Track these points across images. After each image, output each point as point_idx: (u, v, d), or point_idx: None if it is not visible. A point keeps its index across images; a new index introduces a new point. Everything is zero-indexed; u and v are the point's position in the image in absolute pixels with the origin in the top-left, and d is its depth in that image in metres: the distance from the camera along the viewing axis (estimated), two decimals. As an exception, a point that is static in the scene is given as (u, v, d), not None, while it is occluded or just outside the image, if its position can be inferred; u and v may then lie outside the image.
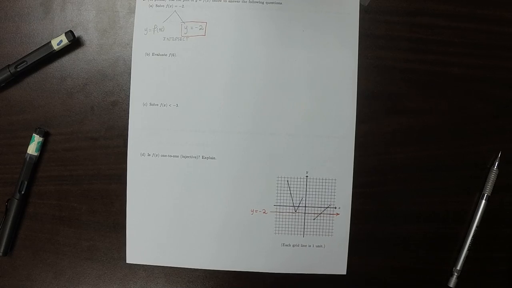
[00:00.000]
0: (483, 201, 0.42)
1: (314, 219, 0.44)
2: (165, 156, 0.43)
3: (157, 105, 0.43)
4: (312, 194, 0.43)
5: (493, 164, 0.42)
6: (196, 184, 0.43)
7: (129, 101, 0.43)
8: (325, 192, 0.43)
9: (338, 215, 0.43)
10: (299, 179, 0.43)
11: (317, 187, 0.43)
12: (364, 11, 0.43)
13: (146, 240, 0.44)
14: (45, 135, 0.44)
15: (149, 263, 0.44)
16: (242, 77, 0.43)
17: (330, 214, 0.43)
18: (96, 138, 0.44)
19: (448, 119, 0.43)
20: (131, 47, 0.43)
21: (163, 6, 0.43)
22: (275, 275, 0.44)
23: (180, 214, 0.44)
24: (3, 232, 0.43)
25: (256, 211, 0.43)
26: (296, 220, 0.44)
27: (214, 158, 0.43)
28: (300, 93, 0.43)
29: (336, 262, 0.43)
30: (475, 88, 0.43)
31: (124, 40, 0.43)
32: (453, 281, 0.43)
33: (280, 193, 0.43)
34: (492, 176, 0.42)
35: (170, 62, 0.43)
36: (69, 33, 0.42)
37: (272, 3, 0.43)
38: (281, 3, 0.43)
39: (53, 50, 0.42)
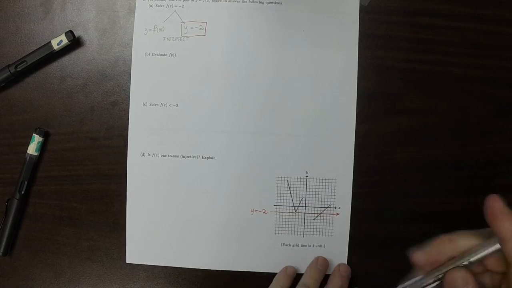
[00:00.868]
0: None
1: (314, 219, 0.44)
2: (165, 156, 0.43)
3: (157, 105, 0.43)
4: (312, 194, 0.43)
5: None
6: (196, 184, 0.43)
7: (129, 101, 0.43)
8: (325, 192, 0.43)
9: (338, 215, 0.43)
10: (299, 179, 0.43)
11: (317, 187, 0.43)
12: (364, 11, 0.43)
13: (146, 240, 0.44)
14: (45, 135, 0.44)
15: (149, 263, 0.44)
16: (242, 77, 0.43)
17: (330, 214, 0.43)
18: (96, 138, 0.44)
19: (448, 119, 0.43)
20: (131, 47, 0.43)
21: (163, 6, 0.43)
22: (275, 275, 0.44)
23: (180, 214, 0.44)
24: (3, 232, 0.43)
25: (256, 211, 0.43)
26: (296, 220, 0.44)
27: (214, 158, 0.43)
28: (300, 93, 0.43)
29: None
30: (475, 88, 0.43)
31: (124, 40, 0.43)
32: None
33: (280, 193, 0.43)
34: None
35: (170, 62, 0.43)
36: (69, 33, 0.42)
37: (272, 3, 0.43)
38: (281, 3, 0.43)
39: (53, 50, 0.42)
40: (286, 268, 0.43)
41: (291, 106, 0.43)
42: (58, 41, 0.42)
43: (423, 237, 0.44)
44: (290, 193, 0.43)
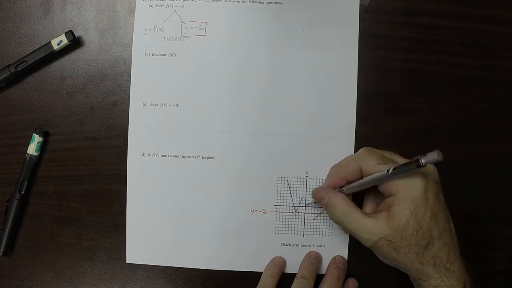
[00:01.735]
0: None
1: (314, 219, 0.44)
2: (165, 156, 0.43)
3: (157, 105, 0.43)
4: (312, 194, 0.43)
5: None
6: (196, 184, 0.43)
7: (129, 101, 0.43)
8: (325, 192, 0.43)
9: (338, 215, 0.43)
10: (299, 179, 0.43)
11: (318, 186, 0.43)
12: (364, 11, 0.43)
13: (146, 240, 0.44)
14: (45, 135, 0.44)
15: (149, 263, 0.44)
16: (242, 77, 0.43)
17: (330, 214, 0.43)
18: (96, 138, 0.44)
19: (448, 119, 0.43)
20: (131, 47, 0.43)
21: (163, 6, 0.43)
22: (275, 275, 0.44)
23: (180, 214, 0.44)
24: (3, 232, 0.43)
25: (256, 211, 0.43)
26: (296, 220, 0.44)
27: (214, 158, 0.43)
28: (300, 93, 0.43)
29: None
30: (475, 88, 0.43)
31: (124, 40, 0.43)
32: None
33: (280, 193, 0.43)
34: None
35: (170, 62, 0.43)
36: (69, 33, 0.42)
37: (272, 3, 0.43)
38: (281, 3, 0.43)
39: (53, 50, 0.42)
40: (274, 258, 0.43)
41: (291, 106, 0.43)
42: (58, 41, 0.42)
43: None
44: (290, 193, 0.43)
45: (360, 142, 0.43)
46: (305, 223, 0.44)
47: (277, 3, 0.43)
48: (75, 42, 0.43)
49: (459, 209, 0.43)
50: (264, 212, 0.43)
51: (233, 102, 0.43)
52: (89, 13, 0.44)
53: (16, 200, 0.43)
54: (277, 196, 0.43)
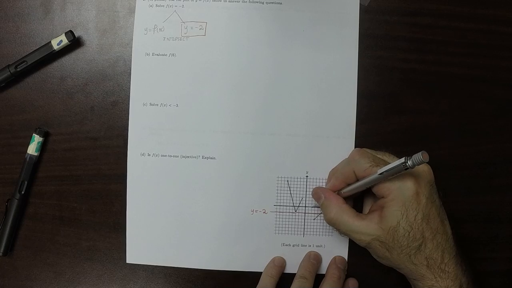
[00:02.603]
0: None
1: (314, 219, 0.44)
2: (165, 156, 0.43)
3: (157, 105, 0.43)
4: (312, 194, 0.43)
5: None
6: (196, 184, 0.43)
7: (129, 101, 0.43)
8: (325, 192, 0.43)
9: (338, 215, 0.43)
10: (299, 179, 0.43)
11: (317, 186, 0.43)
12: (364, 11, 0.43)
13: (146, 240, 0.44)
14: (45, 135, 0.44)
15: (149, 263, 0.44)
16: (242, 77, 0.43)
17: (330, 214, 0.43)
18: (96, 138, 0.44)
19: (448, 119, 0.43)
20: (131, 47, 0.43)
21: (163, 6, 0.43)
22: (275, 275, 0.44)
23: (180, 214, 0.44)
24: (3, 232, 0.43)
25: (256, 211, 0.43)
26: (296, 220, 0.44)
27: (214, 158, 0.43)
28: (300, 93, 0.43)
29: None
30: (475, 88, 0.43)
31: (124, 40, 0.43)
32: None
33: (280, 193, 0.43)
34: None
35: (170, 62, 0.43)
36: (69, 33, 0.42)
37: (272, 3, 0.43)
38: (281, 3, 0.43)
39: (53, 50, 0.42)
40: (274, 259, 0.43)
41: (291, 106, 0.43)
42: (58, 41, 0.42)
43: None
44: (290, 193, 0.43)
45: (360, 142, 0.43)
46: (305, 223, 0.44)
47: (277, 3, 0.43)
48: (75, 42, 0.43)
49: (459, 209, 0.43)
50: (264, 212, 0.43)
51: (233, 102, 0.43)
52: (89, 13, 0.44)
53: (16, 200, 0.43)
54: (277, 196, 0.43)
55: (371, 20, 0.43)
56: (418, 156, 0.31)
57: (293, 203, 0.43)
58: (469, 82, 0.43)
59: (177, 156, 0.43)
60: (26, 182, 0.43)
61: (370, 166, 0.37)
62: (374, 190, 0.37)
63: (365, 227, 0.36)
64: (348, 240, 0.43)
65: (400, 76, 0.43)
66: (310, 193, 0.43)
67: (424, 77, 0.43)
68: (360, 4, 0.43)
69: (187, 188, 0.43)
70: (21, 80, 0.44)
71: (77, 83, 0.44)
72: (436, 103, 0.43)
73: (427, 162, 0.31)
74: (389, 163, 0.34)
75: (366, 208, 0.41)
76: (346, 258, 0.43)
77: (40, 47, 0.42)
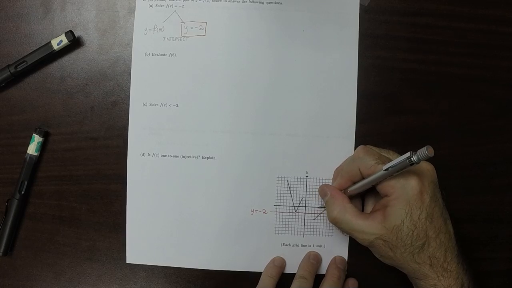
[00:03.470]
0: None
1: (314, 219, 0.44)
2: (165, 156, 0.43)
3: (157, 105, 0.43)
4: (312, 194, 0.43)
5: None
6: (196, 184, 0.43)
7: (129, 101, 0.43)
8: (325, 192, 0.43)
9: (338, 215, 0.43)
10: (299, 179, 0.43)
11: (317, 187, 0.43)
12: (364, 11, 0.43)
13: (146, 240, 0.44)
14: (45, 135, 0.44)
15: (149, 263, 0.44)
16: (242, 77, 0.43)
17: (330, 214, 0.43)
18: (96, 138, 0.44)
19: (448, 119, 0.43)
20: (131, 47, 0.43)
21: (163, 6, 0.43)
22: (275, 275, 0.44)
23: (180, 214, 0.44)
24: (3, 232, 0.43)
25: (256, 211, 0.43)
26: (296, 220, 0.44)
27: (214, 158, 0.43)
28: (300, 93, 0.43)
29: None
30: (475, 88, 0.43)
31: (124, 40, 0.43)
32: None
33: (280, 193, 0.43)
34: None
35: (170, 62, 0.43)
36: (69, 33, 0.42)
37: (272, 3, 0.43)
38: (281, 3, 0.43)
39: (53, 50, 0.42)
40: (273, 259, 0.43)
41: (291, 106, 0.43)
42: (58, 41, 0.42)
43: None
44: (290, 193, 0.43)
45: (360, 142, 0.43)
46: (305, 223, 0.44)
47: (277, 3, 0.43)
48: (75, 42, 0.43)
49: (459, 209, 0.43)
50: (264, 212, 0.43)
51: (233, 102, 0.43)
52: (89, 13, 0.44)
53: (16, 200, 0.43)
54: (277, 196, 0.43)
55: (371, 20, 0.43)
56: (423, 150, 0.31)
57: (293, 203, 0.43)
58: (469, 82, 0.43)
59: (177, 156, 0.43)
60: (26, 182, 0.43)
61: (376, 163, 0.36)
62: (378, 188, 0.37)
63: (368, 226, 0.36)
64: (348, 240, 0.43)
65: (400, 76, 0.43)
66: (310, 193, 0.43)
67: (424, 77, 0.43)
68: (360, 4, 0.43)
69: (187, 188, 0.43)
70: (21, 80, 0.44)
71: (77, 83, 0.44)
72: (436, 103, 0.43)
73: (431, 157, 0.31)
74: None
75: (368, 208, 0.41)
76: (346, 258, 0.43)
77: (40, 47, 0.42)
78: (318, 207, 0.43)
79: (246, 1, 0.43)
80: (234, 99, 0.43)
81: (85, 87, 0.44)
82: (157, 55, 0.43)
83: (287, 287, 0.42)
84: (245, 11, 0.43)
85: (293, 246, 0.44)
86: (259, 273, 0.43)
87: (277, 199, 0.43)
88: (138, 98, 0.43)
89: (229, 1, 0.43)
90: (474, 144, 0.43)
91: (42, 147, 0.44)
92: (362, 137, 0.43)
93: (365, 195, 0.41)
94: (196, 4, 0.43)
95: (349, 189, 0.40)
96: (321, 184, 0.43)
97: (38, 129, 0.43)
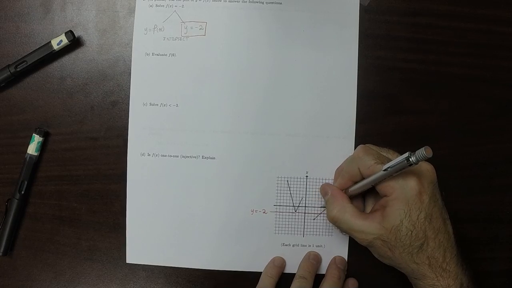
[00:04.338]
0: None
1: (314, 219, 0.44)
2: (165, 156, 0.43)
3: (157, 105, 0.43)
4: (312, 194, 0.43)
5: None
6: (196, 184, 0.43)
7: (129, 101, 0.43)
8: (325, 192, 0.43)
9: (338, 215, 0.43)
10: (299, 179, 0.43)
11: (317, 187, 0.43)
12: (364, 11, 0.43)
13: (146, 240, 0.44)
14: (45, 135, 0.44)
15: (149, 263, 0.44)
16: (242, 77, 0.43)
17: (330, 214, 0.43)
18: (96, 138, 0.44)
19: (448, 119, 0.43)
20: (131, 47, 0.43)
21: (163, 6, 0.43)
22: (275, 275, 0.44)
23: (180, 214, 0.44)
24: (3, 232, 0.43)
25: (256, 211, 0.43)
26: (296, 220, 0.44)
27: (214, 158, 0.43)
28: (300, 93, 0.43)
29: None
30: (475, 88, 0.43)
31: (124, 40, 0.43)
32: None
33: (280, 193, 0.43)
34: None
35: (170, 62, 0.43)
36: (69, 33, 0.42)
37: (272, 3, 0.43)
38: (281, 3, 0.43)
39: (53, 50, 0.42)
40: (273, 259, 0.43)
41: (291, 106, 0.43)
42: (58, 41, 0.42)
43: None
44: (290, 193, 0.43)
45: (360, 142, 0.43)
46: (305, 223, 0.44)
47: (277, 3, 0.43)
48: (75, 42, 0.43)
49: (459, 209, 0.43)
50: (264, 212, 0.43)
51: (233, 102, 0.43)
52: (89, 13, 0.44)
53: (16, 200, 0.43)
54: (277, 196, 0.43)
55: (371, 20, 0.43)
56: (422, 151, 0.31)
57: (293, 203, 0.43)
58: (469, 82, 0.43)
59: (177, 156, 0.43)
60: (26, 182, 0.43)
61: (375, 163, 0.36)
62: (378, 188, 0.37)
63: (367, 226, 0.36)
64: (348, 240, 0.43)
65: (400, 76, 0.43)
66: (310, 193, 0.43)
67: (424, 77, 0.43)
68: (360, 4, 0.43)
69: (187, 188, 0.43)
70: (21, 80, 0.44)
71: (77, 83, 0.44)
72: (436, 103, 0.43)
73: (429, 158, 0.31)
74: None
75: (368, 208, 0.41)
76: (346, 258, 0.43)
77: (40, 47, 0.42)
78: (318, 207, 0.43)
79: (246, 1, 0.43)
80: (234, 99, 0.43)
81: (85, 87, 0.44)
82: (157, 55, 0.43)
83: (287, 287, 0.42)
84: (245, 11, 0.43)
85: (293, 246, 0.44)
86: (259, 273, 0.43)
87: (277, 199, 0.43)
88: (138, 98, 0.43)
89: (229, 1, 0.43)
90: (474, 144, 0.43)
91: (42, 147, 0.44)
92: (362, 137, 0.43)
93: (365, 195, 0.41)
94: (196, 4, 0.43)
95: (350, 189, 0.40)
96: (321, 184, 0.43)
97: (38, 129, 0.43)
